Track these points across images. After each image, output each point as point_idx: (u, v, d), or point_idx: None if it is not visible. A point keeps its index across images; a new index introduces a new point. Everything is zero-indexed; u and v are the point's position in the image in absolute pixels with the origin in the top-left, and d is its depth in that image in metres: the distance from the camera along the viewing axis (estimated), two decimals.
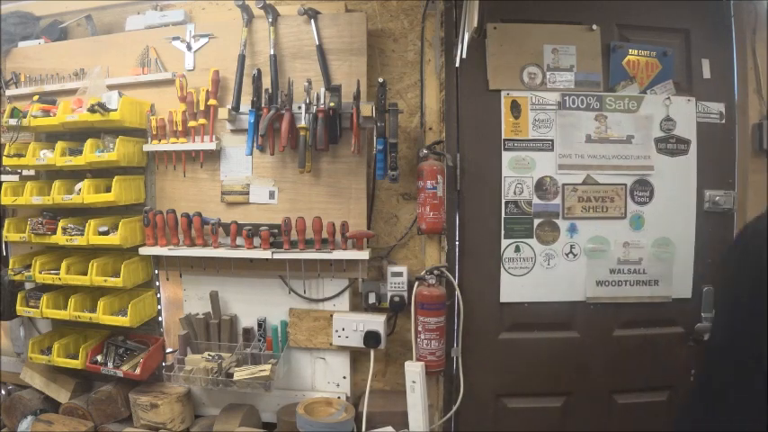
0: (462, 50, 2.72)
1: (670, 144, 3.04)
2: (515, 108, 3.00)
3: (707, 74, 3.09)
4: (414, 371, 2.82)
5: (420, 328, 2.88)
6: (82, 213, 3.23)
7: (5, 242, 3.48)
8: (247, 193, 3.12)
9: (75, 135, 3.21)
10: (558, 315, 3.06)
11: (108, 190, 3.07)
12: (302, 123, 2.89)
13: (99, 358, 3.23)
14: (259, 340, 3.17)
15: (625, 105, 3.03)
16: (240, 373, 2.92)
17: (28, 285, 3.41)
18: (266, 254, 2.97)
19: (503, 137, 3.00)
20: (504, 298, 3.03)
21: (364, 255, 2.98)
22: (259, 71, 2.98)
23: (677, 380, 3.07)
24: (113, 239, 3.04)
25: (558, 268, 3.03)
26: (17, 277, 3.26)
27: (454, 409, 2.96)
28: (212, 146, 3.07)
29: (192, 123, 3.09)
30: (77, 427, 3.14)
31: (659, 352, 3.08)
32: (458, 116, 3.00)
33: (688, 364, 3.03)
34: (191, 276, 3.25)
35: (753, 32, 3.09)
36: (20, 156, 3.19)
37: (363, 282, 3.09)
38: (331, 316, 3.09)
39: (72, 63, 3.33)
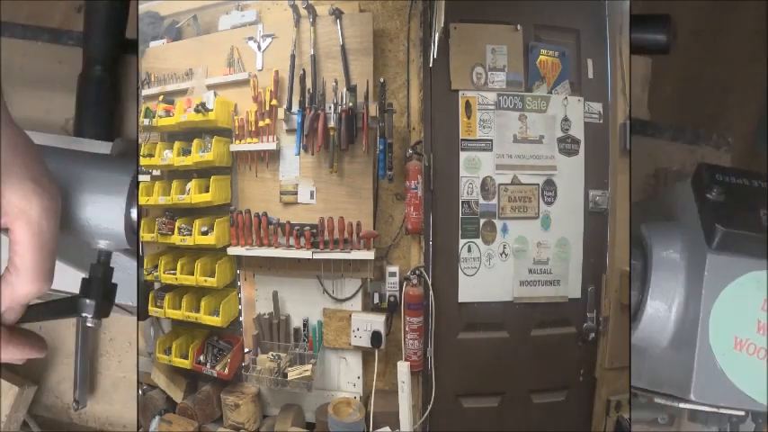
0: (434, 50, 2.98)
1: (567, 144, 3.23)
2: (468, 108, 3.20)
3: (591, 74, 3.17)
4: (402, 371, 3.12)
5: (407, 328, 3.18)
6: (189, 213, 3.74)
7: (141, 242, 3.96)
8: (296, 193, 3.52)
9: (187, 135, 3.70)
10: (494, 315, 3.27)
11: (206, 190, 3.57)
12: (331, 123, 3.24)
13: (202, 358, 3.76)
14: (304, 340, 3.58)
15: (538, 105, 3.22)
16: (292, 373, 3.37)
17: (156, 285, 3.96)
18: (308, 254, 3.37)
19: (460, 137, 3.24)
20: (461, 297, 3.28)
21: (372, 255, 3.29)
22: (304, 71, 3.36)
23: (571, 380, 3.29)
24: (210, 239, 3.53)
25: (497, 268, 3.25)
26: (149, 277, 3.82)
27: (429, 409, 3.22)
28: (273, 146, 3.48)
29: (261, 123, 3.49)
30: (187, 427, 3.65)
31: (559, 352, 3.28)
32: (431, 116, 3.23)
33: (579, 365, 3.27)
34: (260, 276, 3.72)
35: (620, 32, 3.15)
36: (150, 156, 3.74)
37: (371, 282, 3.41)
38: (350, 316, 3.43)
39: (184, 62, 3.85)
